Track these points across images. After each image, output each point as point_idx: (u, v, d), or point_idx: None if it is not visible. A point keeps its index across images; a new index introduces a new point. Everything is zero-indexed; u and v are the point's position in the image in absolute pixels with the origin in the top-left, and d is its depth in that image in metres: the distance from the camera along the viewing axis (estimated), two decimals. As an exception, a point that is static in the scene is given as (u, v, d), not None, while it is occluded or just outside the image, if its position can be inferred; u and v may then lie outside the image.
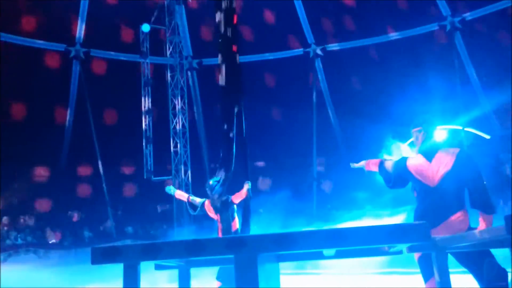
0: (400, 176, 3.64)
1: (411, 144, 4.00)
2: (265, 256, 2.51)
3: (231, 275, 5.74)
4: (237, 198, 5.99)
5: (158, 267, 3.19)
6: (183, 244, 2.20)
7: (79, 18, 15.96)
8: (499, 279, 3.13)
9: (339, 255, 2.90)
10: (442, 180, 3.37)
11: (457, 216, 3.30)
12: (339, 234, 2.16)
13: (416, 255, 3.43)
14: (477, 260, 3.18)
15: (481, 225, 3.24)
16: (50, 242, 15.19)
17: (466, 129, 13.76)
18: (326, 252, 2.73)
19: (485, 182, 3.32)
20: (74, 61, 16.18)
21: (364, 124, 14.41)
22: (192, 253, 2.17)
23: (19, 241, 14.79)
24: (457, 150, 3.45)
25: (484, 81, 14.83)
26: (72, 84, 16.19)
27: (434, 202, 3.37)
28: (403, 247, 2.90)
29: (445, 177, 3.37)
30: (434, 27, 15.62)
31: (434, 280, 3.25)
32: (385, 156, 4.18)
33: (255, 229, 5.63)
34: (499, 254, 3.25)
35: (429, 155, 3.50)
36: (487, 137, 13.95)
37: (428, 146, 3.58)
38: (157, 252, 2.18)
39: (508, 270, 3.21)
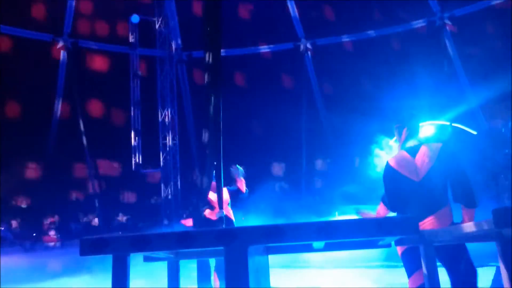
0: (389, 183, 3.61)
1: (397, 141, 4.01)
2: (255, 249, 2.51)
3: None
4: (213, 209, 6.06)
5: (147, 259, 3.18)
6: (173, 236, 2.19)
7: (67, 7, 15.74)
8: (473, 276, 3.19)
9: (328, 248, 2.92)
10: (426, 175, 3.40)
11: (441, 212, 3.34)
12: (329, 227, 2.17)
13: (399, 250, 3.45)
14: (457, 255, 3.22)
15: (464, 219, 3.28)
16: (34, 234, 15.07)
17: (453, 124, 13.90)
18: (316, 244, 2.74)
19: (468, 176, 3.35)
20: (62, 52, 15.99)
21: (353, 119, 14.49)
22: (182, 244, 2.16)
23: (5, 233, 14.63)
24: (439, 145, 3.49)
25: (471, 76, 14.99)
26: (59, 75, 15.99)
27: (419, 198, 3.41)
28: (392, 240, 2.92)
29: (429, 172, 3.40)
30: (424, 22, 15.72)
31: (417, 275, 3.28)
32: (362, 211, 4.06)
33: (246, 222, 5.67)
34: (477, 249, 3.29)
35: (412, 151, 3.53)
36: (474, 132, 14.11)
37: (410, 145, 3.61)
38: (147, 243, 2.17)
39: (495, 264, 3.25)
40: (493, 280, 4.54)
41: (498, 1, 14.08)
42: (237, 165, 6.10)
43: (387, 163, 3.63)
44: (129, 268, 2.25)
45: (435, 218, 3.32)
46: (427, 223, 3.31)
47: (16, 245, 14.24)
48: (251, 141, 15.84)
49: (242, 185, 6.08)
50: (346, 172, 13.43)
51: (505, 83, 12.09)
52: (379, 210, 3.78)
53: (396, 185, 3.56)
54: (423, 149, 3.48)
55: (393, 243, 3.05)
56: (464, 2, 15.04)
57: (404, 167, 3.50)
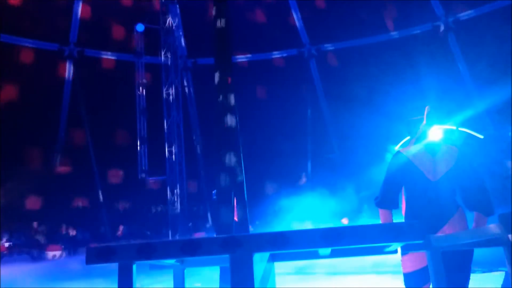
0: (401, 175, 3.39)
1: (404, 145, 3.89)
2: (261, 256, 2.50)
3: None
4: None
5: (152, 267, 3.18)
6: (178, 244, 2.19)
7: (73, 17, 15.87)
8: (466, 283, 3.13)
9: (334, 254, 2.89)
10: (443, 176, 3.27)
11: (458, 216, 3.23)
12: (334, 233, 2.15)
13: (404, 269, 3.31)
14: (462, 261, 3.14)
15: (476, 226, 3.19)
16: (42, 243, 15.11)
17: (460, 129, 13.81)
18: (322, 251, 2.72)
19: (486, 184, 3.25)
20: (68, 61, 16.10)
21: (358, 123, 14.46)
22: (187, 252, 2.16)
23: (12, 242, 14.69)
24: (456, 149, 3.39)
25: (477, 81, 14.92)
26: (66, 84, 16.10)
27: (432, 198, 3.26)
28: (398, 246, 2.89)
29: (446, 173, 3.28)
30: (428, 27, 15.69)
31: None
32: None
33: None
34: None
35: (431, 149, 3.39)
36: (481, 137, 14.00)
37: (430, 142, 3.45)
38: (152, 251, 2.17)
39: (503, 269, 3.19)
40: (502, 285, 4.49)
41: (503, 5, 14.03)
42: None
43: (403, 155, 3.42)
44: (134, 276, 2.25)
45: (452, 223, 3.21)
46: (446, 228, 3.19)
47: (23, 253, 14.29)
48: (256, 146, 15.81)
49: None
50: (350, 175, 13.39)
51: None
52: (384, 219, 3.44)
53: (409, 180, 3.37)
54: (444, 149, 3.36)
55: (399, 249, 3.03)
56: (468, 6, 15.01)
57: (423, 163, 3.34)
